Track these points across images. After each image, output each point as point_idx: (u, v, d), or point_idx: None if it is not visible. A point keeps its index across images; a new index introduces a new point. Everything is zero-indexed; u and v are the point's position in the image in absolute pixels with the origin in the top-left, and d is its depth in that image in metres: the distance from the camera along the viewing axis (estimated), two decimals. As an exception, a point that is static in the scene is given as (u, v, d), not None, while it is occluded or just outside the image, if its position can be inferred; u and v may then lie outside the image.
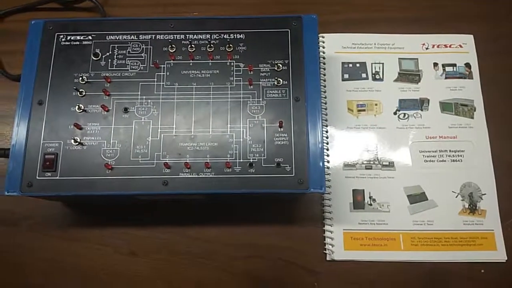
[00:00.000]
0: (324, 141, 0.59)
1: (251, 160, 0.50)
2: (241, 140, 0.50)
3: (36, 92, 0.52)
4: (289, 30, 0.54)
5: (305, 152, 0.50)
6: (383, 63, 0.64)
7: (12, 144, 0.50)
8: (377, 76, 0.64)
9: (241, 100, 0.52)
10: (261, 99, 0.52)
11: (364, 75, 0.64)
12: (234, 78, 0.53)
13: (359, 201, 0.58)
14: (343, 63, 0.64)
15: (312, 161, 0.49)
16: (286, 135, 0.50)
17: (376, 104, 0.62)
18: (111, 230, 0.58)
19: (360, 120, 0.62)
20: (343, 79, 0.63)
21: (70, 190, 0.49)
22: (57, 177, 0.49)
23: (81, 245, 0.57)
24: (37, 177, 0.49)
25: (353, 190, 0.59)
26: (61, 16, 0.68)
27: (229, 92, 0.52)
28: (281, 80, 0.52)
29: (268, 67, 0.53)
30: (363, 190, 0.59)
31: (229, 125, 0.51)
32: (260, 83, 0.52)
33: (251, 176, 0.49)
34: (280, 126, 0.50)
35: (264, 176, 0.49)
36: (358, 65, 0.64)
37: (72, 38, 0.54)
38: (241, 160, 0.50)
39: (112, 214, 0.58)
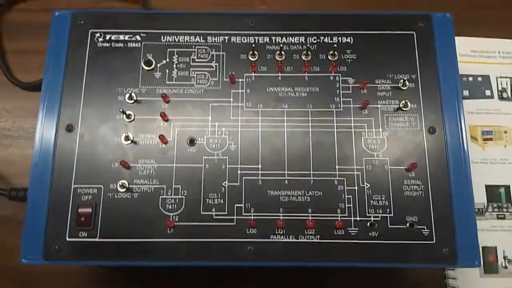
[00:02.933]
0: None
1: (372, 219, 0.35)
2: (356, 188, 0.36)
3: (64, 114, 0.37)
4: (414, 33, 0.39)
5: (449, 209, 0.35)
6: (510, 78, 0.49)
7: (30, 186, 0.35)
8: (504, 95, 0.49)
9: (353, 130, 0.37)
10: (380, 129, 0.37)
11: (488, 93, 0.49)
12: (341, 99, 0.38)
13: (491, 262, 0.44)
14: (461, 76, 0.49)
15: (460, 222, 0.35)
16: (420, 183, 0.36)
17: (505, 132, 0.47)
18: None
19: (487, 153, 0.47)
20: (463, 97, 0.48)
21: (114, 258, 0.34)
22: (96, 239, 0.34)
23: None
24: (68, 238, 0.34)
25: (483, 248, 0.44)
26: (87, 7, 0.52)
27: (334, 118, 0.37)
28: (408, 103, 0.37)
29: (388, 83, 0.38)
30: (496, 248, 0.44)
31: (337, 166, 0.36)
32: (378, 106, 0.38)
33: (374, 242, 0.34)
34: (410, 170, 0.36)
35: (392, 243, 0.34)
36: (479, 79, 0.49)
37: (113, 37, 0.39)
38: (358, 219, 0.35)
39: (164, 280, 0.43)
